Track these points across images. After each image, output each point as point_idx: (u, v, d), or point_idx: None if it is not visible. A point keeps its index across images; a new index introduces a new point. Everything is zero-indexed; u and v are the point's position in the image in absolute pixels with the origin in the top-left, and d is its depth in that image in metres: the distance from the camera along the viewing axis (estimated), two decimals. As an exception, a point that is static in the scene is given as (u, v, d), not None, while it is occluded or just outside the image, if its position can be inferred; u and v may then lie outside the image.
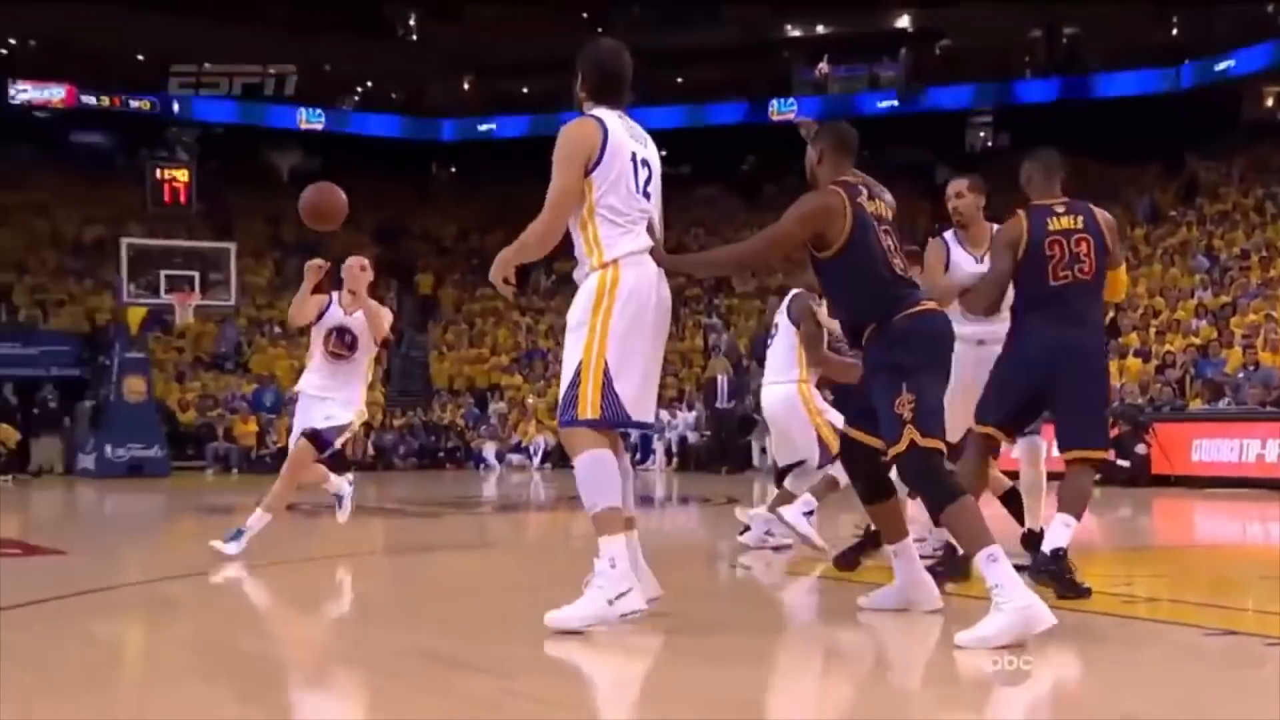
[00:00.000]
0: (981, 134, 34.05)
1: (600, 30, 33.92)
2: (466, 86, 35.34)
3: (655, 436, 21.96)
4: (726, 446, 21.13)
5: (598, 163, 4.54)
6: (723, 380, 21.67)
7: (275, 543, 7.22)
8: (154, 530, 11.62)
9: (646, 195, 4.65)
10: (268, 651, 4.67)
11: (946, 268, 6.18)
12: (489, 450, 23.98)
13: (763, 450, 18.56)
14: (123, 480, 18.75)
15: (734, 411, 21.18)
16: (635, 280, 4.53)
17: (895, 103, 31.89)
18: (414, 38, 35.67)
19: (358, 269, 7.34)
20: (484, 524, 12.23)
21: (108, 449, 19.82)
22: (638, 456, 22.00)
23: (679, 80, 33.74)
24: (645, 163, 4.66)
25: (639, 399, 4.55)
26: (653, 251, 4.62)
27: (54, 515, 13.82)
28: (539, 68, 30.88)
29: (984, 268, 5.84)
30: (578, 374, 4.51)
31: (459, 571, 7.38)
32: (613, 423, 4.53)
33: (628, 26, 33.41)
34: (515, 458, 23.80)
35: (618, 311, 4.49)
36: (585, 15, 34.69)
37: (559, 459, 20.45)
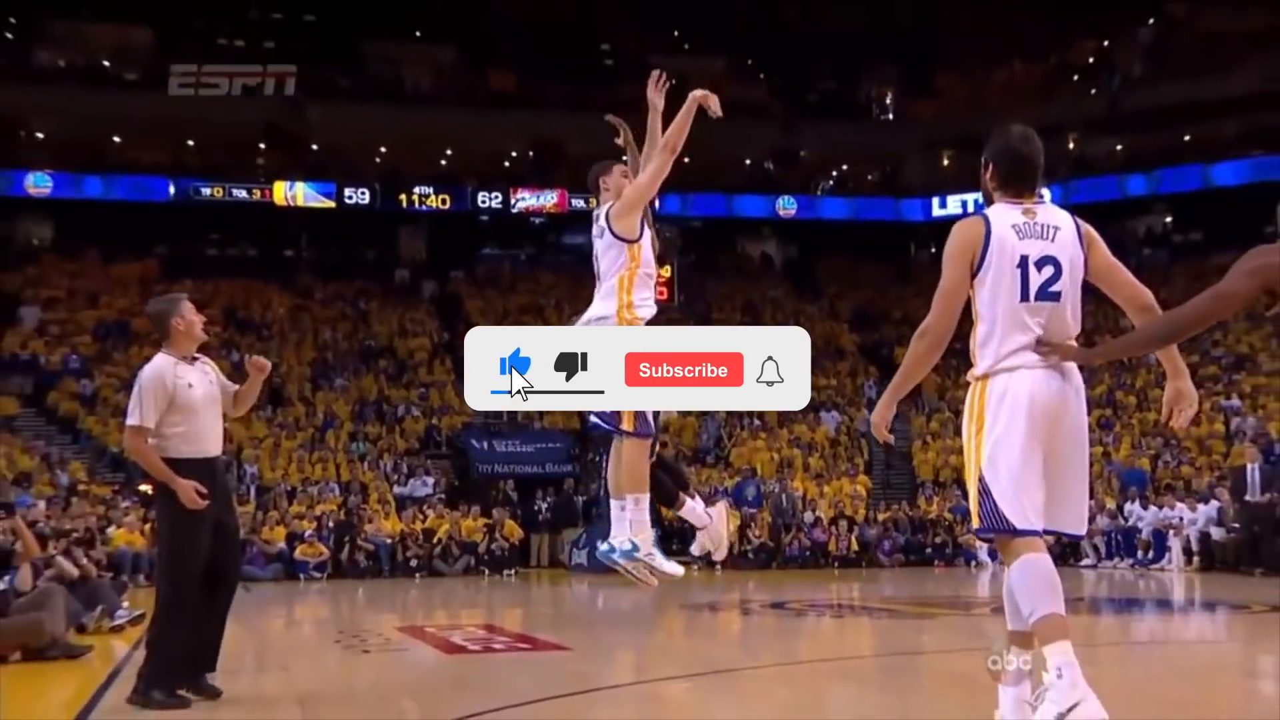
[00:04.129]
0: None
1: (1093, 92, 33.09)
2: (945, 163, 35.32)
3: (1171, 532, 20.64)
4: (1260, 544, 19.46)
5: (980, 266, 4.54)
6: (1253, 469, 20.07)
7: (770, 645, 7.44)
8: (645, 627, 12.27)
9: (1051, 296, 4.54)
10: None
11: None
12: (982, 547, 23.43)
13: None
14: (612, 575, 19.96)
15: (1270, 504, 19.52)
16: (1007, 386, 4.53)
17: None
18: (888, 116, 36.13)
19: None
20: (979, 626, 11.97)
21: (599, 544, 21.17)
22: (1150, 555, 20.75)
23: (1186, 139, 31.95)
24: (1048, 260, 4.54)
25: (1020, 504, 4.45)
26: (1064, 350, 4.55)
27: (554, 610, 14.93)
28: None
29: None
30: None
31: (951, 676, 7.29)
32: (995, 530, 4.48)
33: (1125, 86, 32.24)
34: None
35: (989, 423, 4.52)
36: (1075, 78, 33.85)
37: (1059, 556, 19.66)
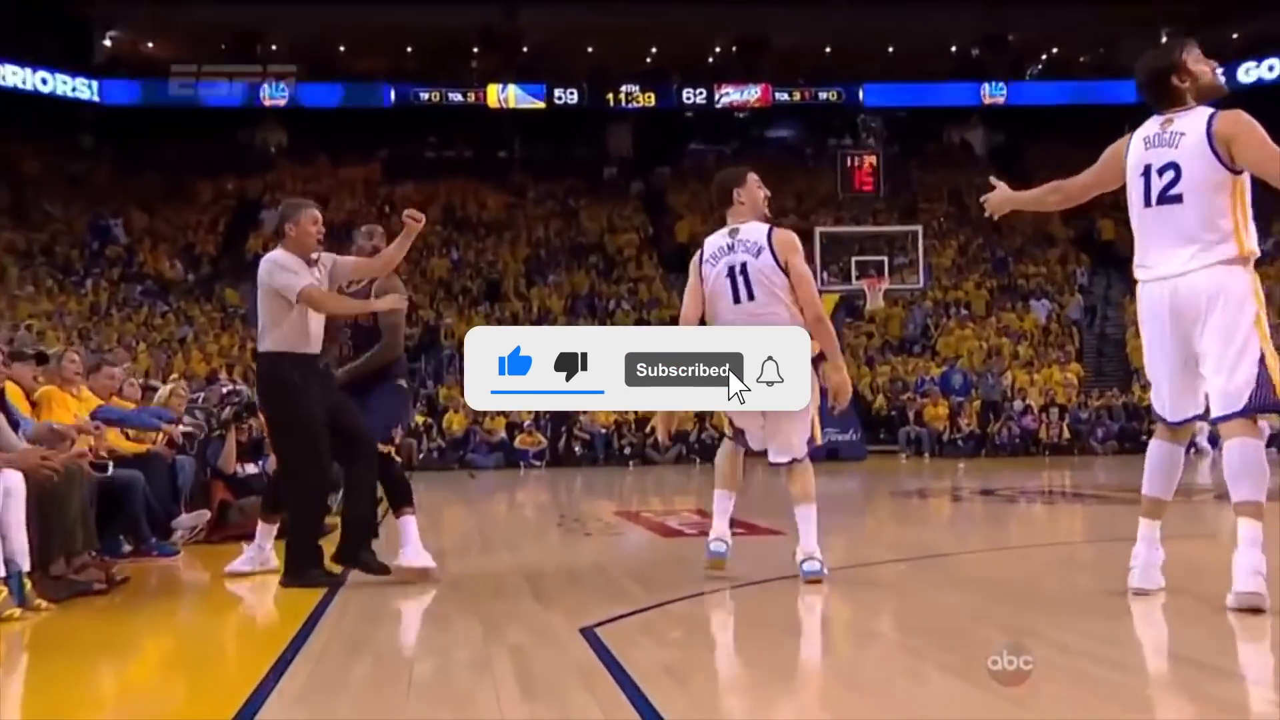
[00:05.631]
0: None
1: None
2: (1163, 40, 33.42)
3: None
4: None
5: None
6: None
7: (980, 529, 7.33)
8: (857, 514, 12.26)
9: (1171, 199, 4.65)
10: (970, 630, 4.76)
11: None
12: (1202, 435, 22.51)
13: None
14: (822, 464, 19.85)
15: None
16: (1141, 295, 4.94)
17: None
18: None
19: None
20: (1197, 513, 11.55)
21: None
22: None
23: None
24: (1169, 166, 4.65)
25: (1160, 397, 5.17)
26: None
27: (765, 497, 14.99)
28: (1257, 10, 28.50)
29: None
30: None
31: (1168, 561, 7.05)
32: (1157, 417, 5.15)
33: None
34: (1230, 442, 22.02)
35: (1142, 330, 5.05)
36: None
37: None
